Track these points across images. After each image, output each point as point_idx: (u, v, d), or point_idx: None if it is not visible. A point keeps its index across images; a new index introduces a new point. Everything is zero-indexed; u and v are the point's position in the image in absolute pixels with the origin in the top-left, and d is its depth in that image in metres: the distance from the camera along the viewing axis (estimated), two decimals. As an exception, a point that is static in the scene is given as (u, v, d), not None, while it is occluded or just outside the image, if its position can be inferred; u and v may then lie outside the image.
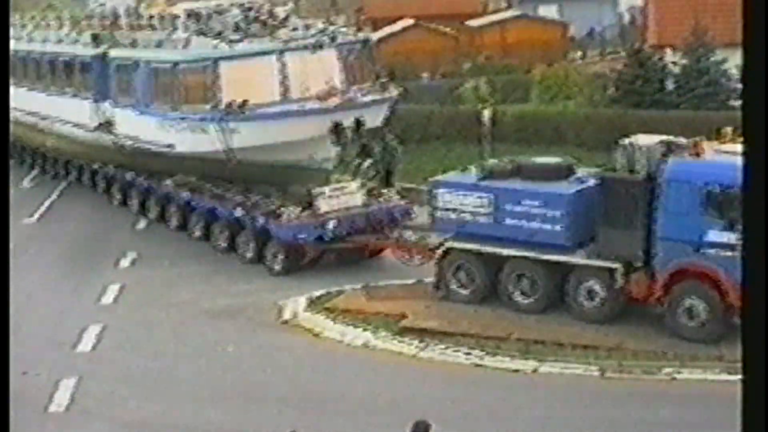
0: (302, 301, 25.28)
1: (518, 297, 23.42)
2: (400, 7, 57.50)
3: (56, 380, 21.52)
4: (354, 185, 28.99)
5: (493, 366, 21.15)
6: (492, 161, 24.85)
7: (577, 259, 22.66)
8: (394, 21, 55.29)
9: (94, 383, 21.48)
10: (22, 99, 41.44)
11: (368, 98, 28.68)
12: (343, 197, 28.47)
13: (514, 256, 23.36)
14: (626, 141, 22.14)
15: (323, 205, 28.00)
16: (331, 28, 31.11)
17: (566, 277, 22.90)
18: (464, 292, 24.21)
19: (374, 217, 28.27)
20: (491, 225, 23.51)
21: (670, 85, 39.44)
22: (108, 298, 27.18)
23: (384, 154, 31.88)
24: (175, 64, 30.39)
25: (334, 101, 27.65)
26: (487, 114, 35.23)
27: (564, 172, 23.69)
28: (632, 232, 21.60)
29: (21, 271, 30.67)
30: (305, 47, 29.12)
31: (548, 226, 22.63)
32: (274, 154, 28.19)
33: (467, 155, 32.14)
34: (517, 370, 20.85)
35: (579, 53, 57.59)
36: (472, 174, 24.35)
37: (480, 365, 21.24)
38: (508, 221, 23.25)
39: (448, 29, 55.49)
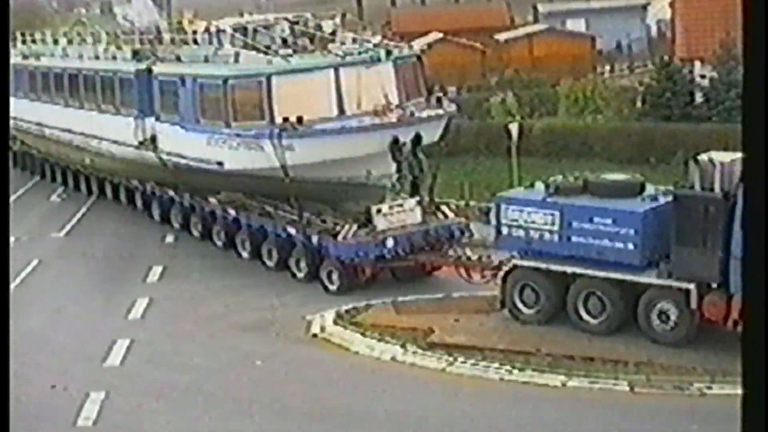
0: (330, 315, 25.23)
1: (587, 317, 22.64)
2: (428, 22, 57.61)
3: (85, 394, 21.55)
4: (412, 202, 28.26)
5: (521, 380, 21.01)
6: (558, 177, 23.88)
7: (650, 278, 21.74)
8: (421, 35, 55.34)
9: (123, 397, 21.51)
10: (57, 116, 41.35)
11: (426, 113, 28.17)
12: (400, 214, 27.78)
13: (583, 275, 22.59)
14: (703, 158, 21.40)
15: (381, 223, 27.36)
16: (376, 42, 30.60)
17: (638, 298, 22.05)
18: (530, 311, 23.48)
19: (432, 235, 27.67)
20: (558, 243, 22.77)
21: (699, 98, 39.25)
22: (137, 312, 27.22)
23: (411, 168, 31.61)
24: (225, 79, 29.61)
25: (393, 117, 27.23)
26: (514, 128, 35.16)
27: (635, 189, 22.67)
28: (708, 252, 20.65)
29: (50, 285, 30.91)
30: (361, 62, 28.64)
31: (619, 245, 21.75)
32: (330, 170, 27.58)
33: (495, 169, 32.12)
34: (545, 385, 20.71)
35: (607, 66, 57.45)
36: (539, 190, 23.57)
37: (508, 380, 21.10)
38: (576, 239, 22.47)
39: (475, 43, 55.46)
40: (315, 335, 24.42)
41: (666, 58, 42.50)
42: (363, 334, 23.85)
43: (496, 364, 21.60)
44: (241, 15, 36.20)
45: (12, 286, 30.79)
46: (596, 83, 45.90)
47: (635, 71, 54.48)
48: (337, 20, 32.66)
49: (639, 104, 40.79)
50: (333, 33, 31.15)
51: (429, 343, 22.97)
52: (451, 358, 22.14)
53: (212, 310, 27.04)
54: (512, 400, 20.26)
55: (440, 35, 54.95)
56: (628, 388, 20.16)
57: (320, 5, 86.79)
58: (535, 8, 69.30)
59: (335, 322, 24.83)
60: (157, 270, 31.03)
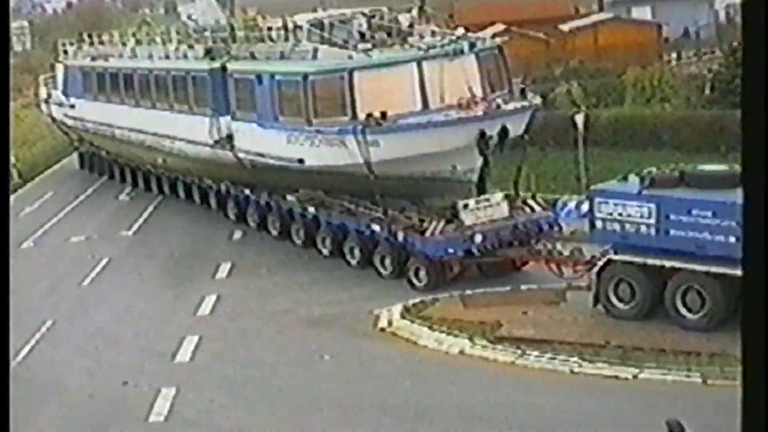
0: (398, 309, 25.18)
1: (685, 312, 22.05)
2: (491, 13, 57.22)
3: (156, 390, 21.75)
4: (498, 196, 27.81)
5: (591, 373, 20.79)
6: (653, 169, 23.20)
7: None
8: (484, 27, 55.02)
9: (193, 393, 21.67)
10: (127, 116, 41.42)
11: (513, 106, 27.65)
12: (488, 209, 27.28)
13: (681, 269, 21.95)
14: None
15: (468, 218, 26.89)
16: (459, 34, 29.98)
17: (740, 293, 21.43)
18: (625, 307, 22.91)
19: (520, 230, 27.15)
20: (655, 236, 22.14)
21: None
22: (205, 309, 27.41)
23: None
24: (305, 76, 29.20)
25: (479, 110, 26.78)
26: (580, 118, 34.82)
27: (734, 180, 21.14)
28: None
29: (120, 283, 31.26)
30: (444, 55, 28.20)
31: (720, 237, 20.97)
32: (414, 166, 27.21)
33: (562, 160, 31.82)
34: (616, 377, 20.47)
35: (674, 54, 56.69)
36: (633, 183, 22.93)
37: (578, 372, 20.90)
38: (674, 232, 21.82)
39: (539, 34, 55.06)
40: (382, 329, 24.40)
41: (735, 44, 41.84)
42: (431, 328, 23.76)
43: (566, 357, 21.40)
44: (315, 10, 35.99)
45: (84, 284, 31.25)
46: (663, 71, 45.34)
47: (703, 58, 53.70)
48: (414, 13, 32.37)
49: (707, 91, 40.23)
50: (411, 26, 30.74)
51: (497, 336, 22.82)
52: (519, 351, 21.97)
53: (280, 305, 27.13)
54: (583, 393, 20.04)
55: (503, 27, 54.60)
56: (701, 380, 19.85)
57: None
58: (599, -3, 68.72)
59: (403, 316, 24.77)
60: (226, 267, 31.18)
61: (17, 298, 30.66)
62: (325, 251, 30.69)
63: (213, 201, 38.22)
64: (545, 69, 51.14)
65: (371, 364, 22.53)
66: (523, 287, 25.48)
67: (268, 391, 21.59)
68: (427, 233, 26.79)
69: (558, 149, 37.80)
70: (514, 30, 54.44)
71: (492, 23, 55.55)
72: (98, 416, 21.37)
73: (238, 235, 35.20)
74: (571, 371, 20.94)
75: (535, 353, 21.77)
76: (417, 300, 25.73)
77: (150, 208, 41.04)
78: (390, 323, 24.61)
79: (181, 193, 41.09)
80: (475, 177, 27.61)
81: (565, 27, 56.93)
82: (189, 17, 45.34)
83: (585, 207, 30.88)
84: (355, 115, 27.59)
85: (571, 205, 29.52)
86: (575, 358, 21.27)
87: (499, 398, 20.07)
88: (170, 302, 28.52)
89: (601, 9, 66.22)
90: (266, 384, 21.96)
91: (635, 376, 20.34)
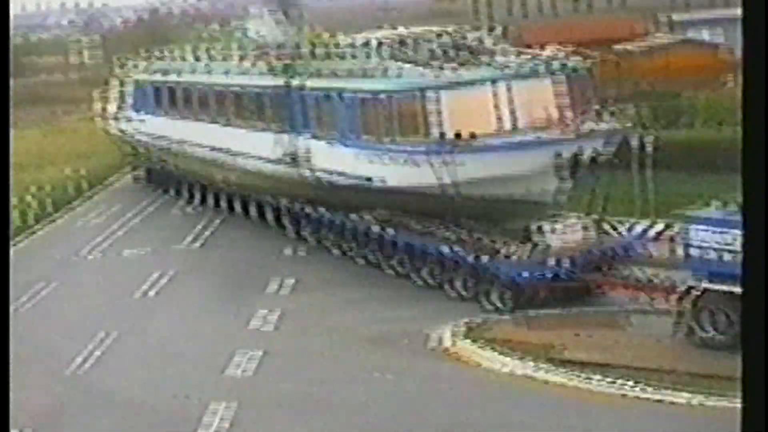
0: (461, 329, 24.90)
1: None
2: (559, 33, 56.77)
3: (208, 404, 21.56)
4: (584, 220, 27.33)
5: (656, 399, 20.37)
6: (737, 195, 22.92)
7: None
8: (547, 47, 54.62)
9: (254, 408, 21.56)
10: (200, 133, 41.25)
11: (602, 127, 27.20)
12: (573, 233, 26.83)
13: None
14: None
15: (551, 242, 26.46)
16: (548, 54, 29.56)
17: None
18: (722, 337, 22.05)
19: (604, 254, 26.61)
20: None
21: None
22: (262, 324, 27.30)
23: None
24: (389, 94, 28.97)
25: (569, 131, 26.41)
26: (649, 140, 34.30)
27: None
28: None
29: (182, 296, 31.35)
30: (529, 75, 27.88)
31: None
32: (498, 187, 26.70)
33: (630, 182, 31.29)
34: (682, 404, 20.01)
35: (746, 77, 55.83)
36: (732, 208, 21.87)
37: (643, 398, 20.48)
38: None
39: (608, 55, 54.53)
40: (446, 349, 24.14)
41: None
42: (493, 349, 23.47)
43: (630, 382, 20.99)
44: (394, 28, 35.73)
45: (145, 296, 31.36)
46: (735, 94, 44.65)
47: (776, 82, 52.82)
48: (498, 32, 32.02)
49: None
50: (493, 45, 30.43)
51: (561, 359, 22.47)
52: (583, 375, 21.61)
53: (342, 322, 26.97)
54: (647, 418, 19.66)
55: (558, 47, 54.17)
56: None
57: (449, 18, 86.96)
58: (669, 18, 67.99)
59: (465, 336, 24.50)
60: (289, 283, 31.11)
61: (78, 308, 31.03)
62: (400, 271, 29.97)
63: (286, 219, 37.47)
64: (614, 90, 50.59)
65: (432, 384, 22.27)
66: (587, 309, 25.05)
67: (328, 408, 21.40)
68: (512, 256, 26.26)
69: (626, 171, 37.24)
70: (583, 51, 54.05)
71: (559, 43, 55.22)
72: (151, 428, 21.33)
73: (302, 252, 35.02)
74: (636, 397, 20.56)
75: (599, 377, 21.41)
76: (479, 320, 25.43)
77: (213, 224, 41.09)
78: (453, 343, 24.35)
79: (252, 211, 40.35)
80: (559, 199, 27.22)
81: (634, 48, 56.35)
82: (258, 33, 45.49)
83: (653, 231, 30.38)
84: (441, 135, 27.20)
85: (639, 228, 28.93)
86: (640, 384, 20.87)
87: (561, 421, 19.74)
88: (233, 316, 28.47)
89: (671, 30, 65.52)
90: (326, 401, 21.78)
91: (701, 404, 19.88)
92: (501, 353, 23.18)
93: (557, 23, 77.65)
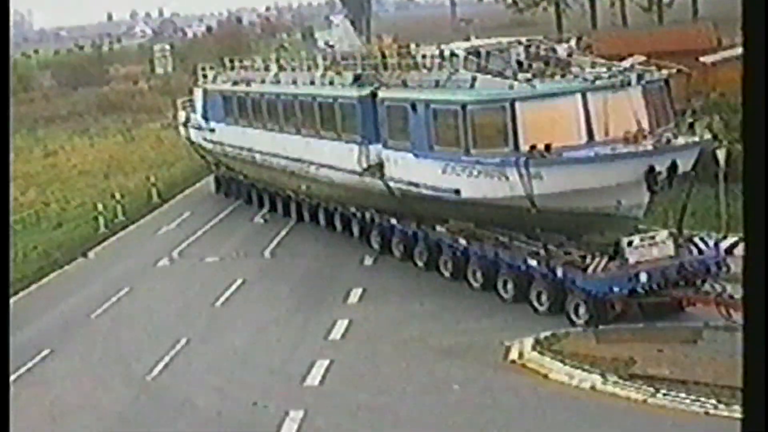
0: (529, 341, 24.87)
1: None
2: (631, 44, 56.41)
3: (285, 412, 21.92)
4: (664, 234, 26.82)
5: (726, 416, 20.16)
6: None
7: None
8: (623, 59, 54.30)
9: (321, 416, 21.77)
10: (270, 142, 41.56)
11: (683, 141, 26.64)
12: (652, 247, 26.24)
13: None
14: None
15: (633, 256, 25.90)
16: (626, 65, 29.12)
17: None
18: None
19: (687, 269, 26.04)
20: None
21: None
22: (337, 333, 27.52)
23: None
24: (464, 105, 28.61)
25: (648, 144, 25.97)
26: (722, 153, 33.96)
27: None
28: None
29: (254, 304, 31.67)
30: (611, 86, 27.40)
31: None
32: (578, 200, 26.24)
33: (701, 195, 31.03)
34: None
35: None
36: None
37: (713, 414, 20.30)
38: None
39: (680, 66, 54.05)
40: (513, 361, 24.13)
41: None
42: (562, 362, 23.39)
43: (701, 398, 20.82)
44: (467, 39, 35.54)
45: (217, 304, 31.75)
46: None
47: None
48: (572, 43, 31.65)
49: None
50: (569, 56, 30.10)
51: (630, 373, 22.34)
52: (653, 389, 21.48)
53: (410, 333, 27.06)
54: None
55: (642, 58, 53.79)
56: None
57: (518, 28, 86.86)
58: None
59: (534, 349, 24.46)
60: (357, 292, 31.28)
61: (153, 315, 31.55)
62: (476, 284, 29.78)
63: (356, 229, 37.59)
64: (686, 102, 50.13)
65: (500, 396, 22.28)
66: (659, 324, 24.87)
67: (396, 418, 21.55)
68: (590, 270, 25.88)
69: (698, 184, 36.94)
70: (654, 62, 53.65)
71: (630, 54, 54.87)
72: (227, 435, 21.64)
73: (369, 261, 35.21)
74: (706, 413, 20.37)
75: (669, 392, 21.26)
76: (548, 333, 25.36)
77: (284, 232, 41.45)
78: (521, 355, 24.32)
79: (322, 220, 40.56)
80: (640, 213, 26.71)
81: (707, 59, 55.80)
82: (327, 44, 45.81)
83: (724, 245, 30.02)
84: (517, 147, 26.88)
85: (716, 243, 28.52)
86: (711, 400, 20.68)
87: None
88: (301, 325, 28.73)
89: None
90: (394, 411, 21.92)
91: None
92: (570, 366, 23.10)
93: (628, 34, 77.15)
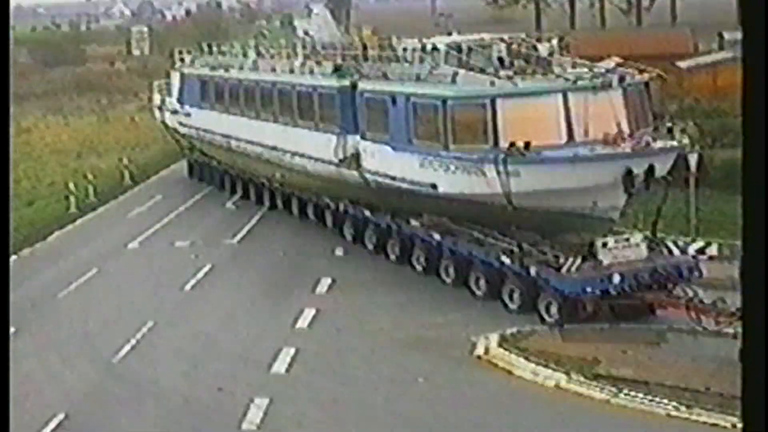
0: (495, 337, 25.01)
1: None
2: (608, 47, 56.50)
3: (250, 399, 21.96)
4: (638, 237, 26.96)
5: (688, 418, 20.39)
6: None
7: None
8: (599, 60, 54.49)
9: (286, 405, 21.83)
10: (247, 129, 41.45)
11: (661, 144, 26.66)
12: (626, 250, 26.39)
13: None
14: None
15: (606, 258, 26.05)
16: (607, 67, 29.10)
17: None
18: None
19: (660, 273, 26.11)
20: None
21: None
22: (304, 322, 27.56)
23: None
24: (444, 100, 28.56)
25: (627, 146, 25.98)
26: (693, 158, 34.23)
27: None
28: None
29: (221, 289, 31.66)
30: (592, 87, 27.32)
31: None
32: (555, 200, 26.31)
33: (671, 199, 31.23)
34: (714, 425, 20.01)
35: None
36: None
37: (675, 416, 20.51)
38: None
39: (656, 70, 54.32)
40: (479, 357, 24.27)
41: None
42: (527, 359, 23.55)
43: (664, 400, 21.02)
44: (449, 34, 35.46)
45: (186, 288, 31.72)
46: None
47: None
48: (554, 43, 31.62)
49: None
50: (550, 55, 30.09)
51: (594, 373, 22.53)
52: (616, 390, 21.67)
53: (377, 324, 27.16)
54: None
55: (619, 60, 53.97)
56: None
57: (498, 25, 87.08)
58: (720, 36, 67.64)
59: (500, 345, 24.60)
60: (326, 282, 31.33)
61: (121, 297, 31.47)
62: (448, 280, 29.87)
63: (329, 219, 37.58)
64: (660, 106, 50.39)
65: (465, 391, 22.42)
66: (623, 325, 25.07)
67: (361, 408, 21.65)
68: (563, 270, 25.92)
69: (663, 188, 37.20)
70: (631, 65, 53.84)
71: (608, 56, 55.03)
72: (192, 419, 21.66)
73: (340, 251, 35.26)
74: (668, 415, 20.58)
75: (632, 393, 21.45)
76: (514, 330, 25.51)
77: (255, 219, 41.43)
78: (487, 351, 24.46)
79: (295, 209, 40.57)
80: (616, 215, 26.80)
81: (683, 64, 56.13)
82: (305, 32, 45.71)
83: (692, 249, 30.27)
84: (496, 144, 26.85)
85: (690, 248, 28.60)
86: (673, 402, 20.90)
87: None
88: (269, 313, 28.78)
89: (721, 48, 65.18)
90: (359, 402, 22.03)
91: (734, 426, 19.87)
92: (535, 363, 23.26)
93: (607, 35, 77.42)
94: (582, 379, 22.30)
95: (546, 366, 23.07)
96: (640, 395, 21.33)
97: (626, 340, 24.37)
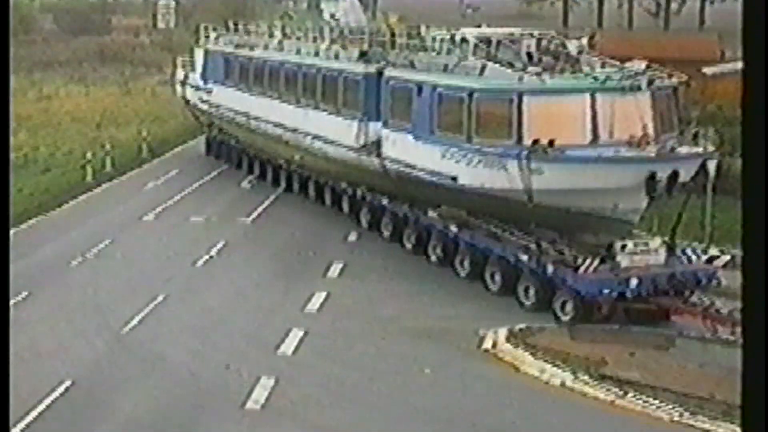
0: (504, 332, 25.02)
1: None
2: (635, 47, 56.28)
3: (256, 378, 22.05)
4: (657, 242, 26.88)
5: (691, 424, 20.38)
6: None
7: None
8: (624, 62, 54.29)
9: (292, 386, 21.91)
10: (268, 109, 41.40)
11: (687, 150, 26.51)
12: (645, 254, 26.29)
13: None
14: None
15: (625, 260, 25.94)
16: (638, 68, 28.81)
17: None
18: None
19: (677, 279, 26.06)
20: None
21: None
22: (314, 305, 27.63)
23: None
24: (471, 92, 28.33)
25: (652, 150, 25.85)
26: (712, 165, 34.08)
27: None
28: None
29: (233, 267, 31.74)
30: (621, 88, 27.14)
31: None
32: (576, 199, 26.10)
33: (688, 205, 31.18)
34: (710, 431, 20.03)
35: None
36: None
37: (678, 422, 20.52)
38: None
39: (680, 74, 54.13)
40: (486, 350, 24.29)
41: None
42: (534, 356, 23.56)
43: (668, 405, 21.03)
44: (479, 26, 35.04)
45: (198, 264, 31.81)
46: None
47: None
48: (584, 41, 31.32)
49: None
50: (579, 53, 29.90)
51: (601, 373, 22.53)
52: (621, 392, 21.68)
53: (387, 312, 27.21)
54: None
55: (644, 62, 53.78)
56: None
57: (525, 20, 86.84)
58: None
59: (508, 340, 24.62)
60: (338, 266, 31.38)
61: (133, 269, 31.59)
62: (462, 273, 29.76)
63: (345, 205, 37.43)
64: (685, 111, 50.20)
65: (470, 383, 22.45)
66: (635, 329, 25.06)
67: (366, 394, 21.71)
68: (581, 270, 25.74)
69: (685, 194, 37.08)
70: (654, 67, 53.63)
71: (630, 59, 54.85)
72: (197, 395, 21.75)
73: (353, 237, 35.29)
74: (671, 420, 20.59)
75: (637, 396, 21.46)
76: (524, 326, 25.51)
77: (270, 200, 41.48)
78: (494, 345, 24.48)
79: (311, 192, 40.42)
80: (636, 218, 26.69)
81: (708, 71, 55.88)
82: (332, 16, 45.67)
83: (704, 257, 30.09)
84: (520, 139, 26.66)
85: (706, 255, 28.42)
86: (677, 407, 20.90)
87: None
88: (280, 293, 28.85)
89: (746, 56, 64.88)
90: (364, 387, 22.09)
91: (737, 434, 19.88)
92: (542, 360, 23.27)
93: (633, 36, 77.16)
94: (588, 378, 22.31)
95: (553, 364, 23.07)
96: (645, 398, 21.34)
97: (635, 342, 24.36)
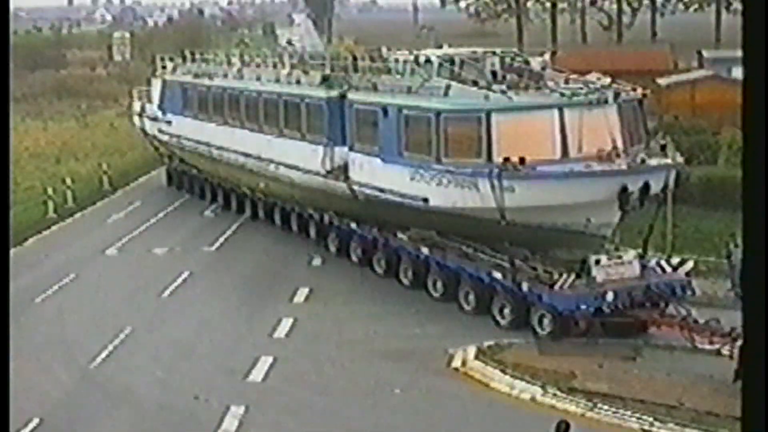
0: (473, 350, 25.10)
1: None
2: (590, 63, 56.90)
3: (226, 407, 21.98)
4: (631, 254, 26.90)
5: (658, 432, 20.56)
6: None
7: None
8: (580, 75, 54.74)
9: (262, 413, 21.86)
10: (230, 137, 41.12)
11: (656, 162, 26.50)
12: (620, 267, 26.32)
13: None
14: None
15: (600, 275, 25.96)
16: (603, 82, 28.85)
17: None
18: None
19: (653, 290, 26.12)
20: None
21: None
22: (281, 331, 27.58)
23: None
24: (438, 113, 28.21)
25: (622, 163, 25.85)
26: (672, 175, 34.39)
27: None
28: None
29: (199, 297, 31.64)
30: (587, 103, 27.10)
31: None
32: (548, 215, 26.17)
33: (648, 215, 31.44)
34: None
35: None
36: None
37: (648, 431, 20.65)
38: None
39: (636, 87, 54.64)
40: (456, 369, 24.36)
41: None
42: (504, 372, 23.67)
43: (637, 414, 21.17)
44: (440, 47, 35.21)
45: (164, 295, 31.69)
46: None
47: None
48: (546, 57, 31.35)
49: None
50: (543, 69, 30.01)
51: (570, 387, 22.65)
52: (591, 404, 21.80)
53: (355, 335, 27.23)
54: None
55: (600, 76, 54.23)
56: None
57: (480, 38, 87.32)
58: (699, 54, 68.15)
59: (477, 357, 24.71)
60: (304, 291, 31.35)
61: (99, 303, 31.40)
62: (436, 294, 29.70)
63: (313, 230, 37.25)
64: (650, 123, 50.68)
65: (441, 402, 22.49)
66: (601, 341, 25.20)
67: (336, 419, 21.70)
68: (556, 286, 25.73)
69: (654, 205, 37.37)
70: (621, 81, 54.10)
71: (588, 72, 55.28)
72: (167, 427, 21.65)
73: (317, 261, 35.29)
74: (642, 429, 20.72)
75: (606, 407, 21.59)
76: (492, 342, 25.60)
77: (234, 227, 41.40)
78: (464, 363, 24.56)
79: (277, 219, 40.26)
80: (609, 232, 26.72)
81: (663, 81, 56.45)
82: (289, 42, 45.81)
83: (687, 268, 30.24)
84: (490, 158, 26.61)
85: (681, 266, 28.61)
86: (647, 417, 21.04)
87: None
88: (246, 321, 28.80)
89: (700, 66, 65.67)
90: (335, 412, 22.07)
91: (707, 442, 20.04)
92: (511, 376, 23.38)
93: (588, 51, 77.85)
94: (557, 392, 22.43)
95: (522, 379, 23.19)
96: (615, 410, 21.46)
97: (603, 354, 24.49)
